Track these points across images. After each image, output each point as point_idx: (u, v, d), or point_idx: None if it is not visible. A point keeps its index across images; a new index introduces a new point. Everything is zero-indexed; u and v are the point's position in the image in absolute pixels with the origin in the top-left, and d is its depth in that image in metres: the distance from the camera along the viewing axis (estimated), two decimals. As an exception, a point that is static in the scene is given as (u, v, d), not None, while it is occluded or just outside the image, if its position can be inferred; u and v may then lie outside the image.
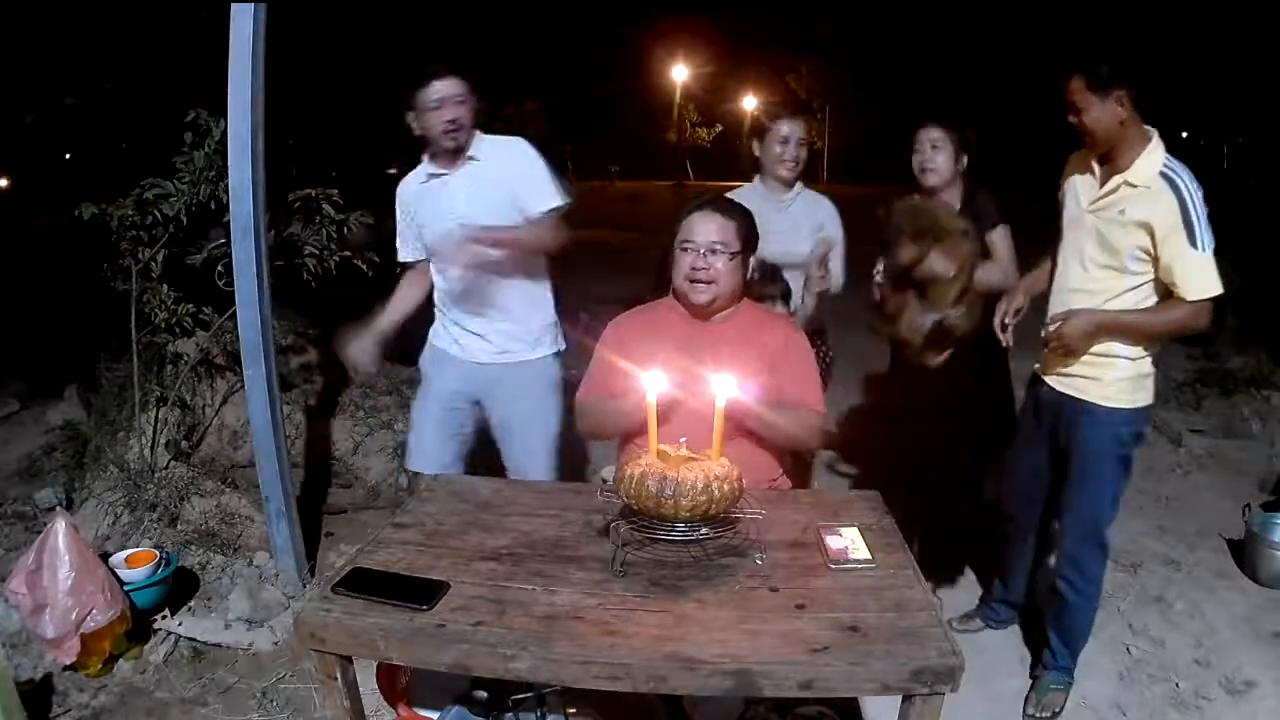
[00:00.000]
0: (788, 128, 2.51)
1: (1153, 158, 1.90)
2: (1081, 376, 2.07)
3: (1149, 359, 2.02)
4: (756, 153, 2.57)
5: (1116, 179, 1.94)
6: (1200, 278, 1.87)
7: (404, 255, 2.48)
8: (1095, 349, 2.02)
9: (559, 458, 2.53)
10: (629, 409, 1.83)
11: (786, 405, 1.87)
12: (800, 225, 2.52)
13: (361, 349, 2.41)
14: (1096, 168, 2.01)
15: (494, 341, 2.41)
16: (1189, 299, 1.88)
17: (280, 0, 2.37)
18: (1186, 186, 1.86)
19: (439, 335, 2.50)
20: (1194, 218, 1.84)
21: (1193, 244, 1.85)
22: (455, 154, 2.29)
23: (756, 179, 2.59)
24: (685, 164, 30.86)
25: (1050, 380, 2.15)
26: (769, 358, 1.90)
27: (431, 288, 2.48)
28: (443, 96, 2.21)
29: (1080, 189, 2.06)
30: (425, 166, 2.37)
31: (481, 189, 2.29)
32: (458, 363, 2.45)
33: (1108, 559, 2.18)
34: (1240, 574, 2.92)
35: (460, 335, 2.43)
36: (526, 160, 2.32)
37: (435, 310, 2.50)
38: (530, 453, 2.47)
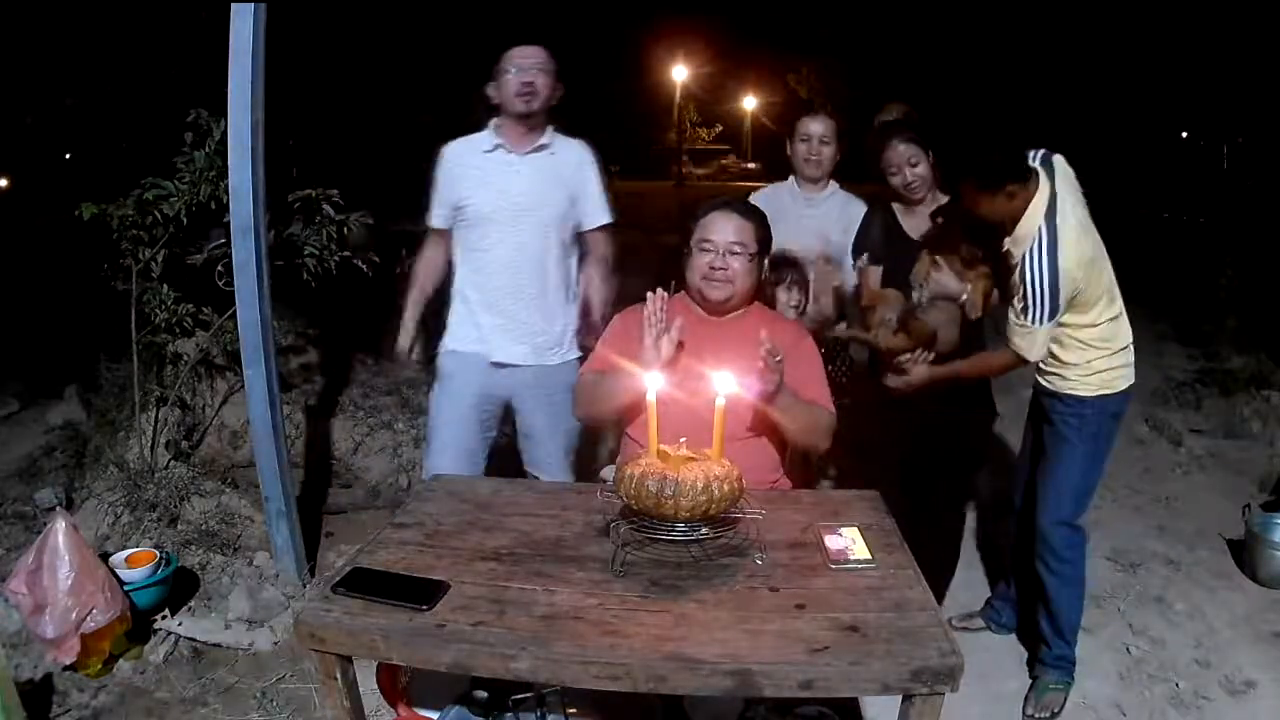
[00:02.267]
0: (811, 126, 2.54)
1: (1028, 226, 1.98)
2: (1056, 374, 2.15)
3: (1111, 353, 2.10)
4: (789, 153, 2.60)
5: (1006, 243, 2.05)
6: (1019, 342, 2.04)
7: (436, 221, 2.40)
8: (1052, 357, 2.11)
9: (578, 463, 2.55)
10: (620, 386, 1.84)
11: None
12: (831, 221, 2.54)
13: (407, 345, 2.44)
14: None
15: (526, 342, 2.35)
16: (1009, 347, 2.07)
17: (280, 0, 2.37)
18: (1031, 261, 1.96)
19: (464, 334, 2.39)
20: (1026, 289, 1.96)
21: (1019, 316, 2.00)
22: (527, 128, 2.29)
23: (791, 177, 2.63)
24: (685, 164, 30.83)
25: (1037, 377, 2.24)
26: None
27: (448, 267, 2.41)
28: (521, 62, 2.25)
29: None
30: (490, 137, 2.32)
31: (544, 181, 2.31)
32: (487, 364, 2.36)
33: (1083, 542, 2.21)
34: (1240, 574, 2.92)
35: (490, 334, 2.35)
36: (593, 170, 2.41)
37: (457, 301, 2.41)
38: (554, 458, 2.45)
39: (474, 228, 2.33)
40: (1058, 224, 1.95)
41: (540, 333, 2.36)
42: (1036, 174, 1.99)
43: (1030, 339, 2.02)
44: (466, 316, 2.39)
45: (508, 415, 2.48)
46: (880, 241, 2.44)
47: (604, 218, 2.41)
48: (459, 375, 2.39)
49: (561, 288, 2.39)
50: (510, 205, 2.28)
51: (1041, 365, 2.16)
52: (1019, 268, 1.98)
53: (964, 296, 2.21)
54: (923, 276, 2.24)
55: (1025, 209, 1.98)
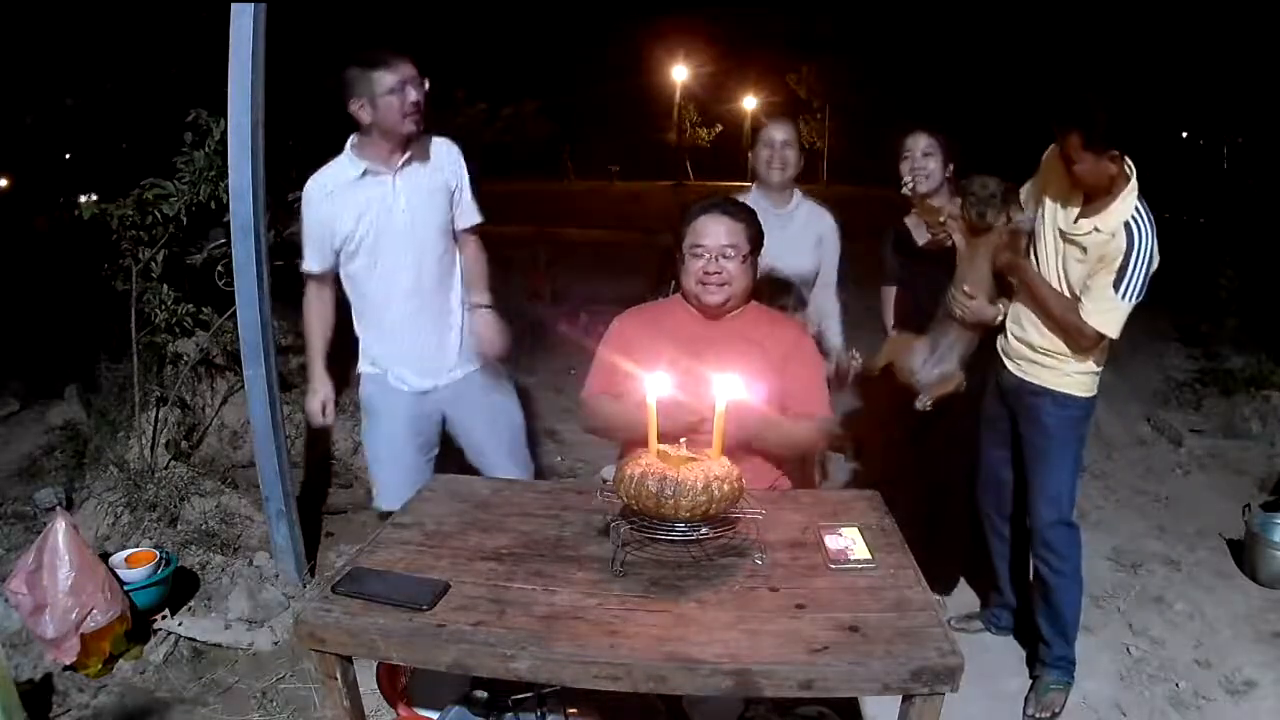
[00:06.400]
0: (772, 131, 2.52)
1: (1124, 206, 1.96)
2: (1041, 365, 2.15)
3: (1105, 355, 2.13)
4: (752, 161, 2.57)
5: (1088, 222, 2.00)
6: (1104, 315, 1.99)
7: (313, 265, 2.23)
8: (1052, 350, 2.11)
9: (533, 454, 2.56)
10: (640, 418, 1.77)
11: (791, 411, 1.87)
12: (801, 239, 2.52)
13: (319, 408, 2.30)
14: (1078, 203, 2.04)
15: (439, 363, 2.28)
16: (1084, 319, 2.02)
17: (280, 0, 2.37)
18: (1141, 239, 1.94)
19: (378, 367, 2.30)
20: (1131, 267, 1.94)
21: (1116, 287, 1.96)
22: (399, 148, 2.13)
23: (754, 186, 2.58)
24: (685, 164, 30.83)
25: (1010, 366, 2.23)
26: (776, 358, 1.89)
27: (341, 305, 2.27)
28: (403, 79, 2.06)
29: (1055, 212, 2.09)
30: (353, 160, 2.14)
31: (423, 192, 2.18)
32: (410, 395, 2.29)
33: (1080, 538, 2.22)
34: (1240, 574, 2.92)
35: (401, 364, 2.27)
36: (463, 166, 2.28)
37: (359, 327, 2.31)
38: (506, 460, 2.41)
39: (361, 261, 2.19)
40: (1149, 211, 1.96)
41: (451, 349, 2.30)
42: (1130, 164, 1.98)
43: (1117, 313, 1.98)
44: (374, 343, 2.30)
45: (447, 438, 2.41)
46: (897, 264, 2.45)
47: (475, 218, 2.31)
48: (385, 412, 2.31)
49: (458, 298, 2.30)
50: (394, 230, 2.15)
51: (1034, 359, 2.15)
52: (1115, 242, 1.95)
53: (998, 318, 2.23)
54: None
55: (1120, 187, 1.96)
